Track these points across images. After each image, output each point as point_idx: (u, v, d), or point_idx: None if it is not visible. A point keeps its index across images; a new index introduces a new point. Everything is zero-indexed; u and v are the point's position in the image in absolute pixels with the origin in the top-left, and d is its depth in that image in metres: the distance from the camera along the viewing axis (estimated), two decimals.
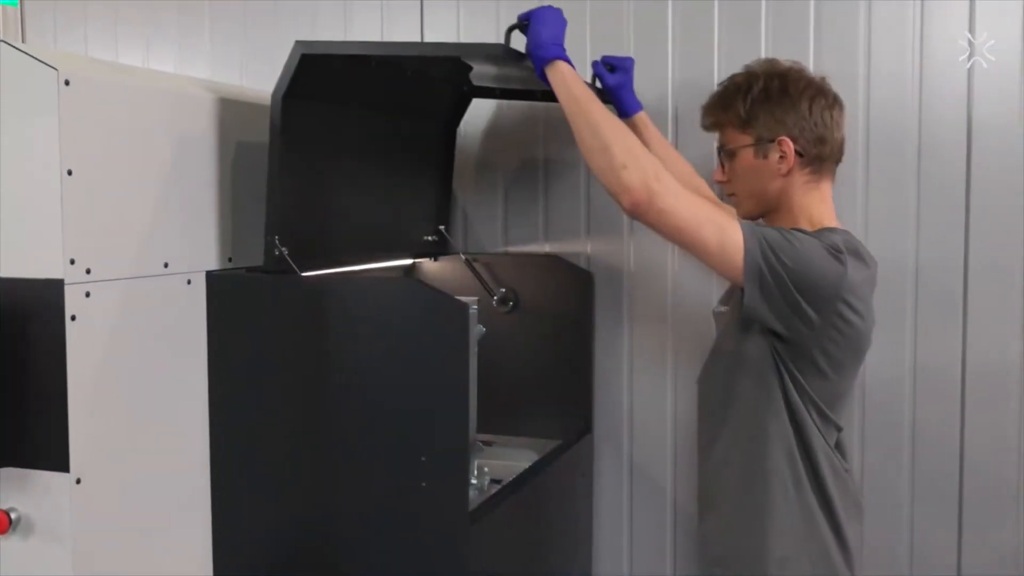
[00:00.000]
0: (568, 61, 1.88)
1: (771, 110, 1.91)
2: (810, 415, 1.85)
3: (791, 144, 1.90)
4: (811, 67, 2.32)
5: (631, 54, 2.47)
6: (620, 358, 2.57)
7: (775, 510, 1.86)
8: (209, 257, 1.96)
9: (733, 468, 1.92)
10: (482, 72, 2.30)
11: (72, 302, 1.64)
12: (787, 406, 1.85)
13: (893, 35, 2.32)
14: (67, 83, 1.62)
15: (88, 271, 1.67)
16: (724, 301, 2.08)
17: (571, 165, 2.58)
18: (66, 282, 1.63)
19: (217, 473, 1.96)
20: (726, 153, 1.97)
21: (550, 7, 1.93)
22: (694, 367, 2.19)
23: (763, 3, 2.40)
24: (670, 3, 2.47)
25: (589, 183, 2.57)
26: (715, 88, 2.02)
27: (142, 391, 1.80)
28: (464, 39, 2.65)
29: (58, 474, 1.65)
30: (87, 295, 1.67)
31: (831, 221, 1.96)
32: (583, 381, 2.55)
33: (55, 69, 1.61)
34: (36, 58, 1.61)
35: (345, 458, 1.88)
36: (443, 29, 2.66)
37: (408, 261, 2.60)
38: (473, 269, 2.56)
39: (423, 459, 1.83)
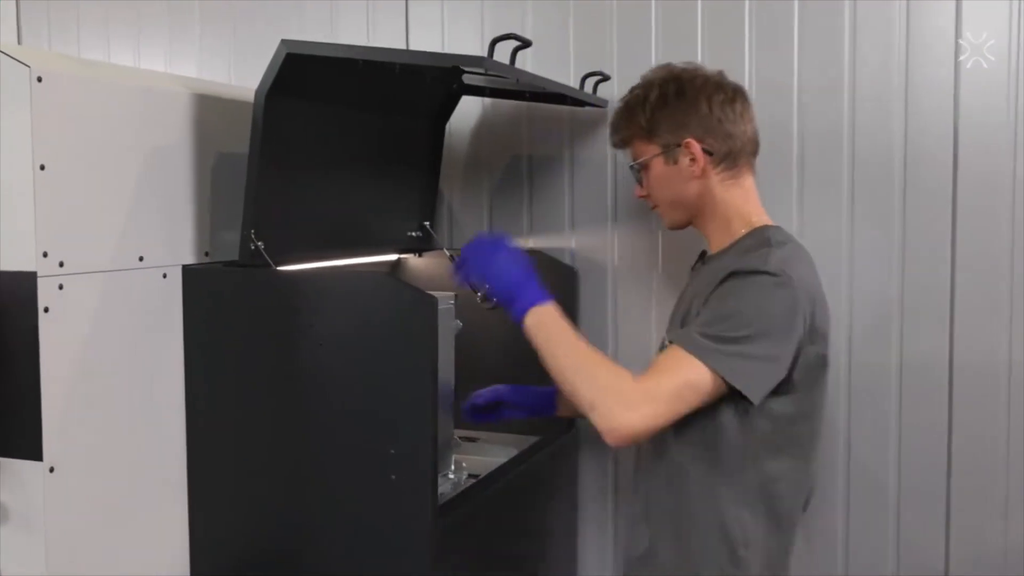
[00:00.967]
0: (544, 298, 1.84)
1: (671, 115, 1.90)
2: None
3: (697, 145, 1.89)
4: (795, 68, 2.36)
5: (615, 60, 2.50)
6: (612, 355, 2.59)
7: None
8: (185, 251, 1.98)
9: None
10: (476, 75, 2.33)
11: (45, 294, 1.67)
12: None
13: (879, 35, 2.33)
14: (39, 79, 1.65)
15: (61, 264, 1.70)
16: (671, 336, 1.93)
17: (556, 161, 2.60)
18: (39, 274, 1.66)
19: (193, 464, 1.99)
20: (639, 167, 1.97)
21: (488, 240, 1.97)
22: None
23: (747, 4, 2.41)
24: (653, 4, 2.49)
25: (573, 179, 2.59)
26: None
27: (117, 382, 1.83)
28: (448, 39, 2.67)
29: (31, 463, 1.68)
30: (60, 287, 1.70)
31: (761, 217, 1.94)
32: None
33: (27, 66, 1.64)
34: (8, 55, 1.64)
35: (317, 450, 1.91)
36: (427, 28, 2.68)
37: (393, 256, 2.63)
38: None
39: (392, 452, 1.85)
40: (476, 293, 2.55)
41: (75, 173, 1.73)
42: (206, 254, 2.03)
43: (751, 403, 1.72)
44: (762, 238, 1.86)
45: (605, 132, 2.50)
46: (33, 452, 1.67)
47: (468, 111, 2.67)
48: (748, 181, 1.95)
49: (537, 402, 2.29)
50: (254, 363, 1.95)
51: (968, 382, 2.31)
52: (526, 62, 2.57)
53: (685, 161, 1.90)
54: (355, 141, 2.29)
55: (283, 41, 1.89)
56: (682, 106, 1.90)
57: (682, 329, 1.79)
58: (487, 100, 2.67)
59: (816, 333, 1.80)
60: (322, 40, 2.44)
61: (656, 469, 1.90)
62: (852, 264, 2.36)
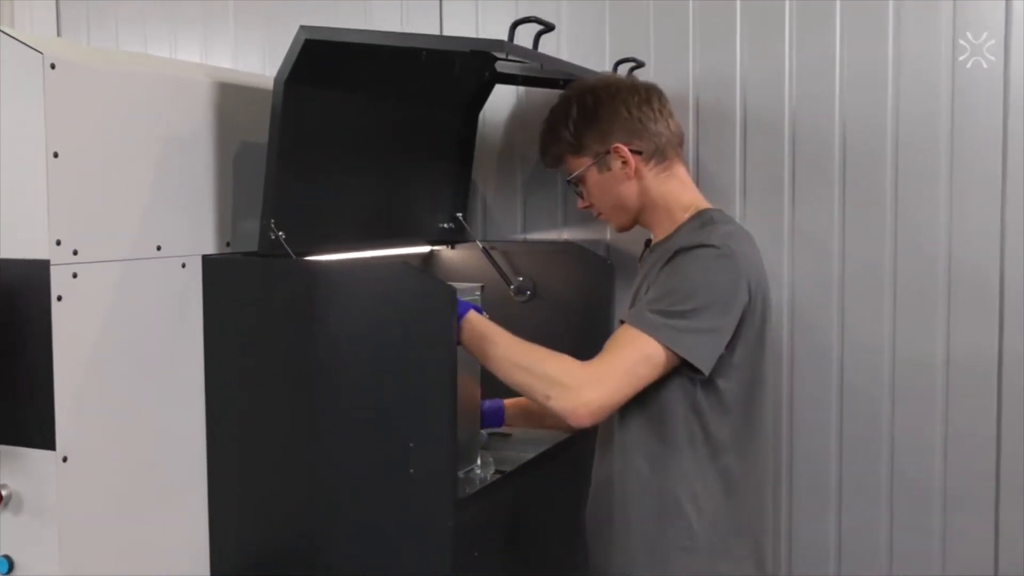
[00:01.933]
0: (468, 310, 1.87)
1: (595, 125, 1.95)
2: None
3: (625, 148, 1.93)
4: (837, 59, 2.28)
5: (651, 47, 2.44)
6: None
7: None
8: (206, 241, 1.97)
9: None
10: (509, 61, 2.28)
11: (58, 282, 1.66)
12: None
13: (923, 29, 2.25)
14: (52, 67, 1.64)
15: (75, 252, 1.69)
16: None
17: None
18: (52, 263, 1.65)
19: (214, 455, 1.97)
20: (575, 181, 2.00)
21: None
22: None
23: None
24: None
25: None
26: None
27: (134, 372, 1.82)
28: (482, 29, 2.63)
29: (45, 452, 1.67)
30: (74, 276, 1.69)
31: (702, 202, 1.98)
32: None
33: (40, 53, 1.63)
34: (22, 42, 1.64)
35: (336, 443, 1.88)
36: (461, 19, 2.64)
37: (426, 248, 2.59)
38: (490, 257, 2.54)
39: (411, 445, 1.81)
40: (509, 285, 2.53)
41: (89, 161, 1.72)
42: (227, 244, 2.01)
43: (699, 375, 1.77)
44: (705, 218, 1.91)
45: None
46: (46, 441, 1.67)
47: (502, 100, 2.62)
48: (681, 171, 2.00)
49: (484, 419, 2.31)
50: (273, 355, 1.92)
51: (961, 379, 2.26)
52: (560, 49, 2.53)
53: (617, 165, 1.94)
54: (383, 130, 2.26)
55: (302, 27, 1.86)
56: (602, 115, 1.95)
57: (632, 308, 1.84)
58: (521, 89, 2.62)
59: (767, 306, 1.88)
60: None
61: (613, 441, 1.92)
62: (895, 261, 2.28)
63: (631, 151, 1.93)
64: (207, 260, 1.95)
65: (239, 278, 1.95)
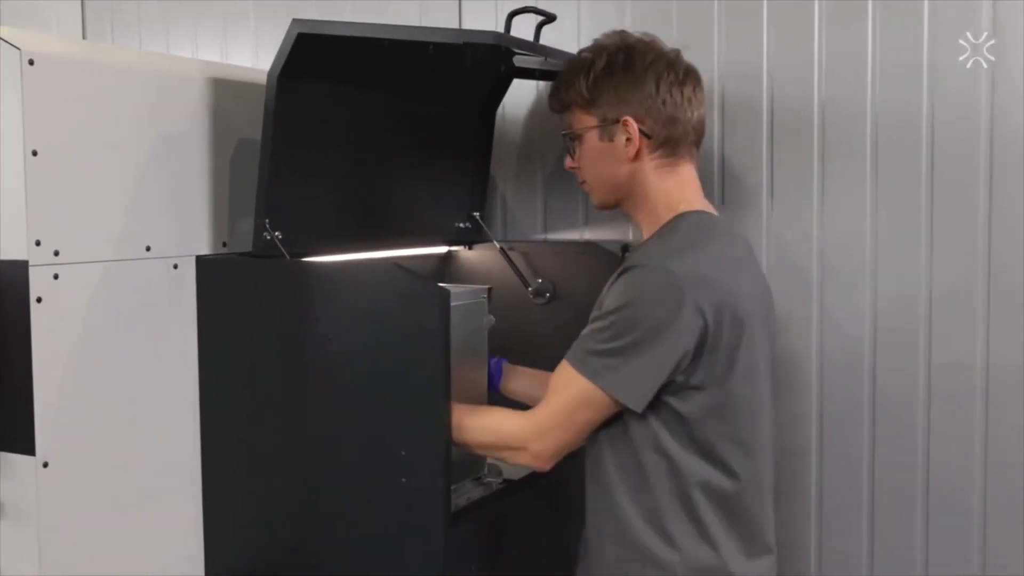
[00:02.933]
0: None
1: (615, 87, 1.78)
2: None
3: (635, 125, 1.77)
4: (869, 60, 2.15)
5: (674, 37, 2.33)
6: None
7: None
8: (200, 241, 1.92)
9: None
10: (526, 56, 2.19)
11: (38, 284, 1.62)
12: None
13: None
14: (31, 62, 1.61)
15: (56, 253, 1.65)
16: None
17: None
18: (31, 263, 1.61)
19: (208, 459, 1.92)
20: (571, 136, 1.86)
21: None
22: None
23: None
24: None
25: None
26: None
27: (121, 376, 1.78)
28: (502, 25, 2.54)
29: (24, 457, 1.64)
30: (55, 277, 1.65)
31: (691, 203, 1.82)
32: None
33: (18, 48, 1.60)
34: None
35: (331, 449, 1.82)
36: (482, 16, 2.57)
37: (443, 249, 2.52)
38: (507, 258, 2.45)
39: (403, 453, 1.74)
40: (527, 288, 2.44)
41: (72, 159, 1.68)
42: (223, 244, 1.96)
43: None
44: (674, 225, 1.78)
45: None
46: (25, 446, 1.63)
47: (523, 95, 2.54)
48: (686, 170, 1.84)
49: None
50: (266, 358, 1.87)
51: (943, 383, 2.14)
52: (580, 40, 2.43)
53: (621, 140, 1.79)
54: (390, 127, 2.19)
55: (294, 21, 1.81)
56: (627, 80, 1.78)
57: (576, 344, 1.73)
58: (542, 84, 2.53)
59: (742, 321, 1.70)
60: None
61: (587, 472, 1.82)
62: (931, 261, 2.15)
63: (640, 131, 1.78)
64: (200, 261, 1.90)
65: (233, 279, 1.90)
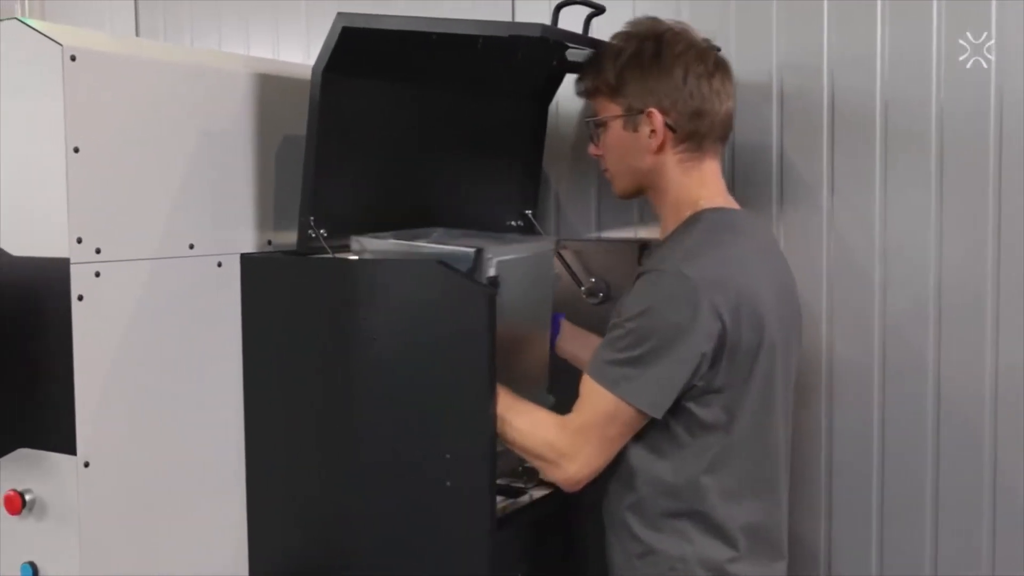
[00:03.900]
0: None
1: (642, 77, 1.74)
2: None
3: (660, 117, 1.73)
4: (933, 56, 2.06)
5: (731, 30, 2.26)
6: None
7: None
8: (245, 239, 1.90)
9: None
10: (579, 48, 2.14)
11: (79, 282, 1.61)
12: None
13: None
14: (72, 58, 1.59)
15: (98, 251, 1.63)
16: None
17: None
18: (72, 261, 1.60)
19: (252, 459, 1.89)
20: (596, 124, 1.84)
21: None
22: None
23: None
24: None
25: None
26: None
27: (163, 374, 1.75)
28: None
29: (66, 456, 1.62)
30: (96, 275, 1.63)
31: (713, 199, 1.78)
32: None
33: (59, 44, 1.58)
34: (41, 32, 1.59)
35: (375, 450, 1.78)
36: (535, 7, 2.51)
37: None
38: (560, 257, 2.40)
39: (447, 456, 1.70)
40: (580, 287, 2.38)
41: (114, 156, 1.66)
42: (268, 242, 1.93)
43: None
44: (692, 224, 1.75)
45: None
46: (67, 446, 1.61)
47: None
48: (710, 165, 1.80)
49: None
50: (310, 358, 1.84)
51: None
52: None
53: (645, 131, 1.77)
54: (438, 123, 2.14)
55: (339, 14, 1.77)
56: (655, 70, 1.76)
57: (595, 355, 1.72)
58: None
59: (763, 324, 1.68)
60: None
61: (603, 477, 1.77)
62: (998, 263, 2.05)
63: (665, 124, 1.74)
64: (245, 259, 1.88)
65: (277, 277, 1.87)
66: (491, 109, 2.28)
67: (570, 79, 2.39)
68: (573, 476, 1.69)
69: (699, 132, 1.75)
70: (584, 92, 1.87)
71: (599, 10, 1.76)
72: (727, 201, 1.80)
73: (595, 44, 1.89)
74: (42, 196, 1.61)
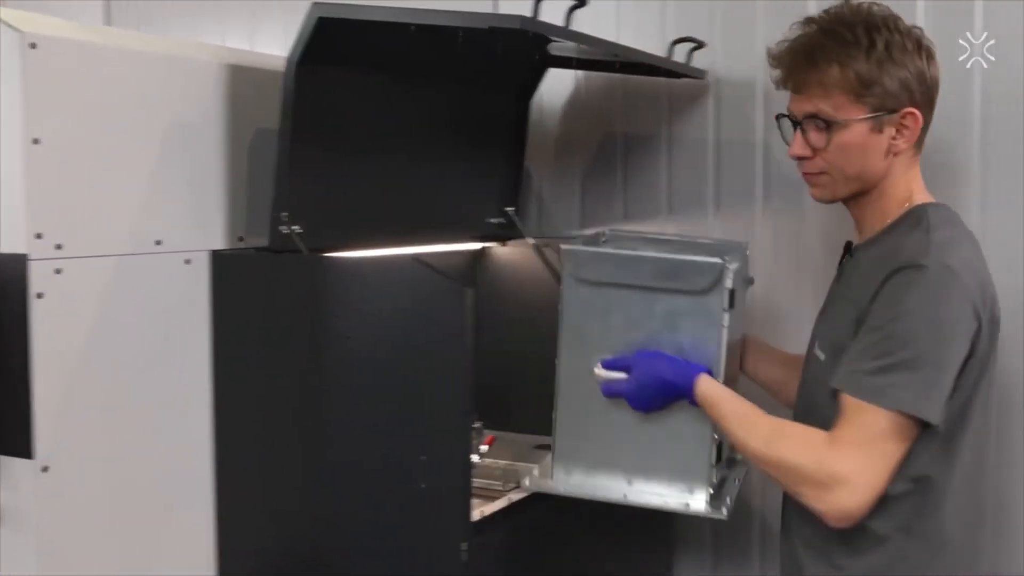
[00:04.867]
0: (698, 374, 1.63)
1: (900, 73, 1.55)
2: None
3: (920, 118, 1.58)
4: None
5: (716, 23, 2.20)
6: None
7: None
8: (214, 235, 1.83)
9: None
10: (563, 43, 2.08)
11: (38, 279, 1.54)
12: None
13: None
14: (33, 46, 1.52)
15: (58, 247, 1.57)
16: (824, 348, 1.65)
17: (653, 140, 2.33)
18: (31, 257, 1.53)
19: (222, 462, 1.83)
20: (823, 124, 1.59)
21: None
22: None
23: None
24: None
25: (671, 158, 2.31)
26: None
27: (128, 377, 1.69)
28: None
29: (23, 461, 1.55)
30: (57, 272, 1.57)
31: (917, 194, 1.64)
32: None
33: (20, 31, 1.52)
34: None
35: (349, 451, 1.72)
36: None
37: (477, 245, 2.41)
38: (542, 255, 2.34)
39: (422, 458, 1.64)
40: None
41: (76, 148, 1.60)
42: (240, 239, 1.87)
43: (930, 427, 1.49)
44: (918, 217, 1.58)
45: (706, 108, 2.23)
46: (23, 450, 1.55)
47: (559, 85, 2.43)
48: (918, 159, 1.66)
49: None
50: (282, 357, 1.78)
51: None
52: (619, 29, 2.31)
53: (890, 132, 1.58)
54: (417, 117, 2.09)
55: (314, 4, 1.71)
56: (910, 65, 1.56)
57: (845, 368, 1.51)
58: (579, 73, 2.42)
59: (994, 324, 1.56)
60: None
61: None
62: None
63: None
64: (216, 256, 1.81)
65: (249, 275, 1.82)
66: (472, 103, 2.22)
67: (556, 73, 2.35)
68: (850, 513, 1.48)
69: (928, 124, 1.62)
70: (801, 87, 1.61)
71: (581, 2, 1.70)
72: (930, 195, 1.67)
73: (577, 37, 1.83)
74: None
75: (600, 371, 1.69)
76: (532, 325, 2.27)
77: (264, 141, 1.89)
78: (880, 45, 1.55)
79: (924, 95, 1.59)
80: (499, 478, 1.90)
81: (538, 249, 2.34)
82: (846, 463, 1.46)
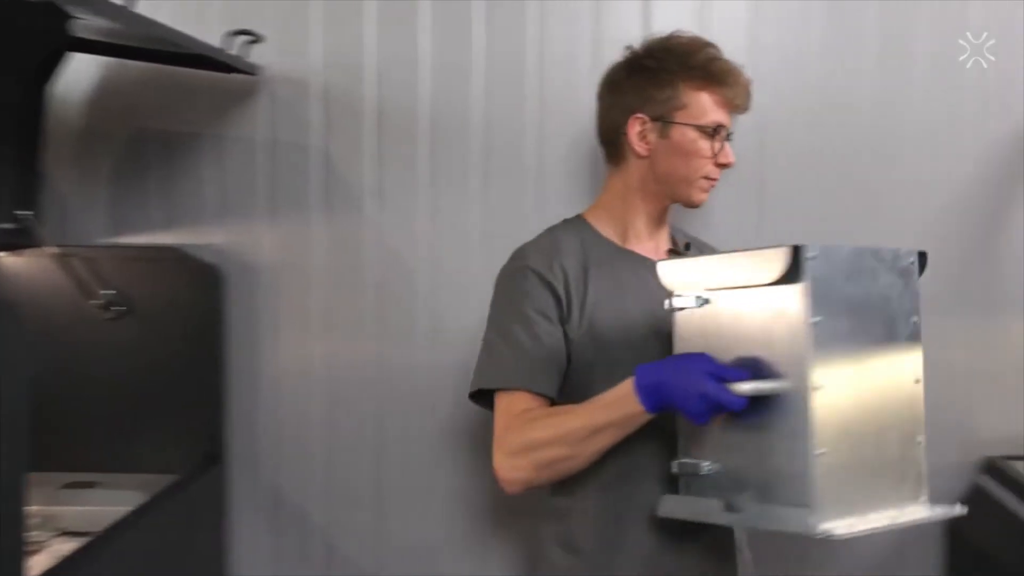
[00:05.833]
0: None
1: None
2: None
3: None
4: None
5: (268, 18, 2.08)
6: (258, 371, 2.15)
7: None
8: None
9: None
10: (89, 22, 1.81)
11: None
12: None
13: None
14: None
15: None
16: None
17: (198, 139, 2.15)
18: None
19: None
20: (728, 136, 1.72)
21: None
22: None
23: None
24: None
25: (222, 160, 2.15)
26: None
27: None
28: None
29: None
30: None
31: None
32: (212, 400, 2.12)
33: None
34: None
35: None
36: None
37: None
38: (65, 266, 2.05)
39: None
40: (91, 300, 2.06)
41: None
42: None
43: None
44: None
45: (257, 105, 2.10)
46: None
47: (83, 74, 2.15)
48: None
49: None
50: None
51: None
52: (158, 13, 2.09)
53: None
54: None
55: None
56: None
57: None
58: (110, 61, 2.15)
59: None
60: None
61: None
62: None
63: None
64: None
65: None
66: None
67: (80, 58, 2.06)
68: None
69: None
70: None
71: None
72: None
73: (113, 12, 1.58)
74: None
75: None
76: (52, 344, 2.03)
77: None
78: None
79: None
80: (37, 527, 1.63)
81: (62, 258, 2.05)
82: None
